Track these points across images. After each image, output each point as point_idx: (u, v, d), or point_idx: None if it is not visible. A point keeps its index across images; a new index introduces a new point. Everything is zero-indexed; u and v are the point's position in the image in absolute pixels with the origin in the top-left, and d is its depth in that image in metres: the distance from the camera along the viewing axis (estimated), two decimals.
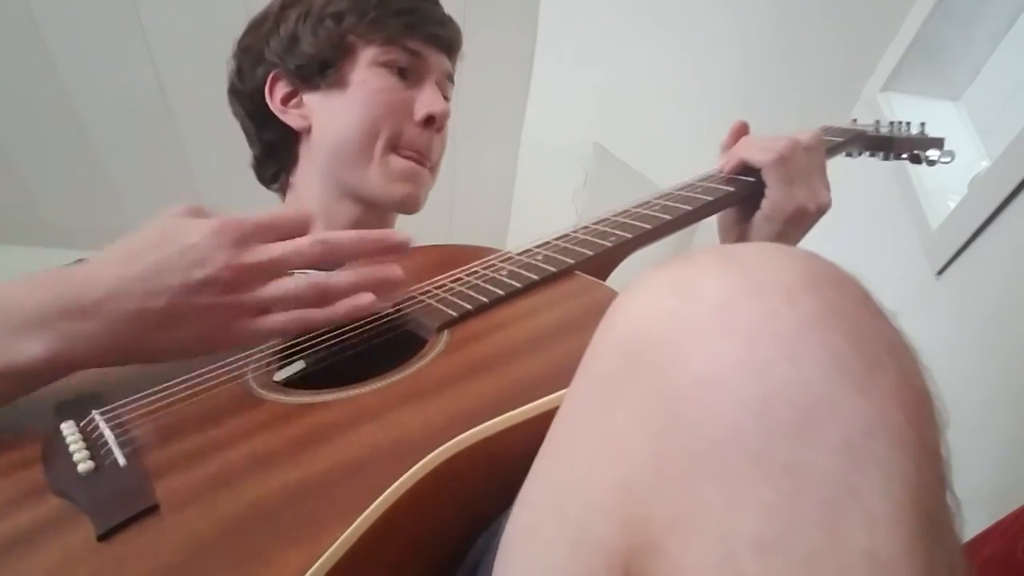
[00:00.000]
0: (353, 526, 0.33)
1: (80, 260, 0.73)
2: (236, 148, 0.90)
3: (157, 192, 2.37)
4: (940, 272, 0.99)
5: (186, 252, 0.44)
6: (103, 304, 0.44)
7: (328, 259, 0.48)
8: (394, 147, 0.78)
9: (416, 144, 0.78)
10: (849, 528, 0.22)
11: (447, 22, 0.84)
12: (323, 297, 0.47)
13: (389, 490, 0.35)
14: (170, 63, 1.93)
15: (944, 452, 0.26)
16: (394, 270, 0.50)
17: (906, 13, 1.21)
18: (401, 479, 0.35)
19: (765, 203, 0.68)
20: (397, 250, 0.50)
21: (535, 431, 0.34)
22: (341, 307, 0.47)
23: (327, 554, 0.32)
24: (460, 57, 0.88)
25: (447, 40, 0.83)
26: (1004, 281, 0.88)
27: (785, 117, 1.45)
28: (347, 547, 0.32)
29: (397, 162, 0.78)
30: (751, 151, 0.69)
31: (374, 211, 0.81)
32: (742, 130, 0.74)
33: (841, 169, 1.18)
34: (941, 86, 1.23)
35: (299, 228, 0.48)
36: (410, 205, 0.80)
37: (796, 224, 0.68)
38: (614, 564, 0.26)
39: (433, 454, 0.37)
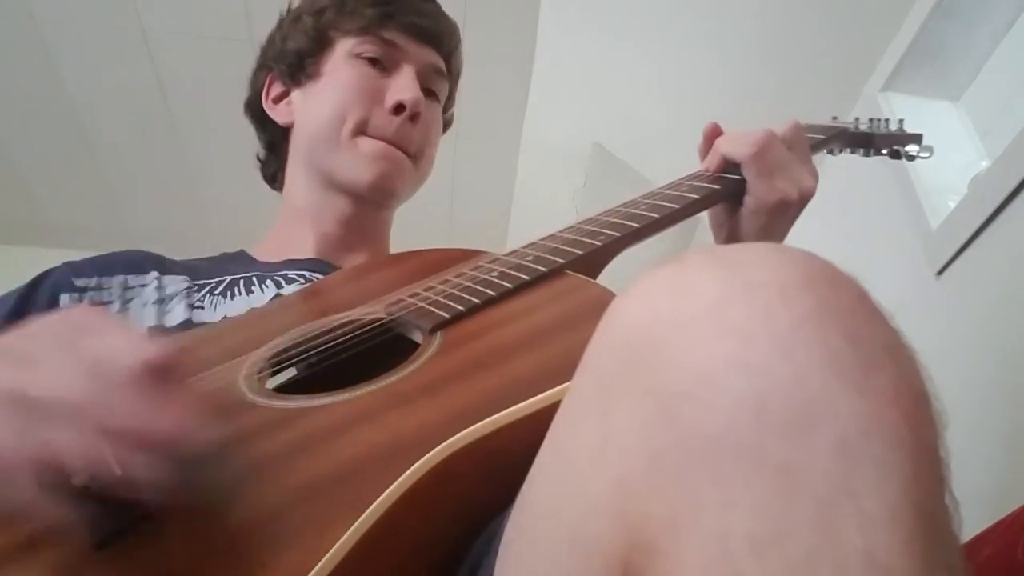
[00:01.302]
0: (354, 527, 0.33)
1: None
2: (236, 148, 0.90)
3: (157, 192, 2.37)
4: (940, 272, 0.99)
5: None
6: None
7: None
8: (361, 132, 0.77)
9: (384, 131, 0.77)
10: (845, 528, 0.22)
11: (430, 13, 0.84)
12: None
13: (389, 490, 0.34)
14: (170, 63, 1.93)
15: (943, 452, 0.26)
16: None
17: (906, 13, 1.21)
18: (400, 479, 0.35)
19: (748, 198, 0.68)
20: None
21: (534, 428, 0.34)
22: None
23: (328, 555, 0.31)
24: (457, 53, 0.87)
25: (428, 31, 0.82)
26: (1004, 281, 0.88)
27: (785, 117, 1.44)
28: (348, 548, 0.32)
29: (365, 143, 0.77)
30: (730, 146, 0.69)
31: (361, 205, 0.81)
32: (716, 131, 0.74)
33: (841, 170, 1.18)
34: (941, 86, 1.23)
35: None
36: (383, 186, 0.77)
37: (781, 214, 0.68)
38: (612, 562, 0.26)
39: (432, 453, 0.36)
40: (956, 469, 0.27)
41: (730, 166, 0.69)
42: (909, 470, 0.24)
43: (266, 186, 0.92)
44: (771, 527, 0.23)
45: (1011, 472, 0.76)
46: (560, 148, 2.05)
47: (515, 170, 2.27)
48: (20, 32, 1.83)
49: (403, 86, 0.78)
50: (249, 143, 0.91)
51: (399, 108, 0.77)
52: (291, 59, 0.82)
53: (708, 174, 0.71)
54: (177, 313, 0.69)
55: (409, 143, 0.79)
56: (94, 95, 2.02)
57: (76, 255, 0.77)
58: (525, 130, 2.12)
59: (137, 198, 2.38)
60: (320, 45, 0.80)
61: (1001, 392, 0.82)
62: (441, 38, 0.84)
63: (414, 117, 0.78)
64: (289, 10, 0.86)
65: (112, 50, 1.90)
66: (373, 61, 0.79)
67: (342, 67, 0.79)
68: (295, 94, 0.83)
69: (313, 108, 0.80)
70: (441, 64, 0.84)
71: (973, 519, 0.68)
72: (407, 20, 0.80)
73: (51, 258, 0.79)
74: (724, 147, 0.69)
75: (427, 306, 0.54)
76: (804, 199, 0.68)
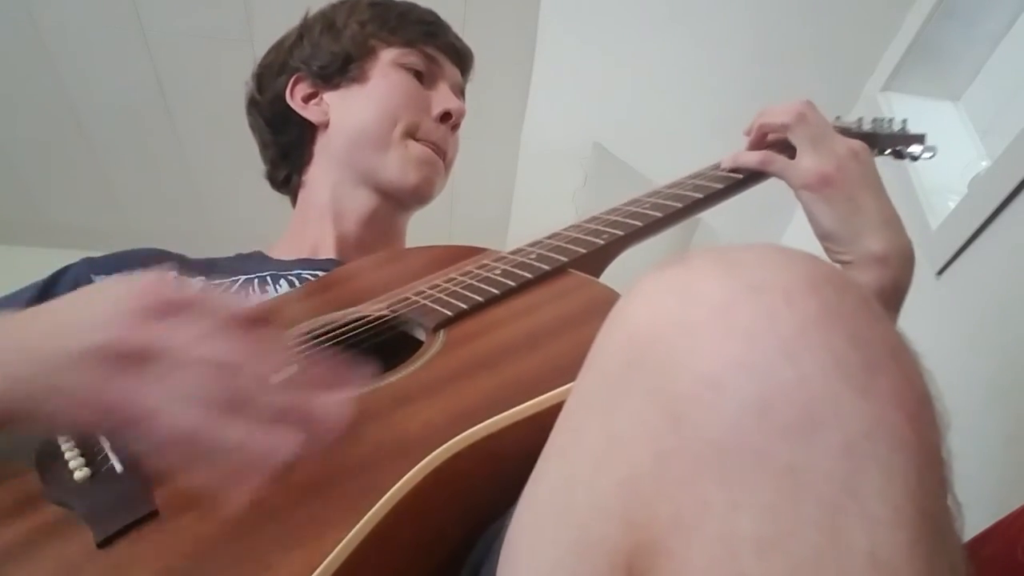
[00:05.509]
0: (357, 527, 0.33)
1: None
2: (235, 149, 0.90)
3: (157, 192, 2.37)
4: (940, 272, 1.00)
5: (94, 310, 0.37)
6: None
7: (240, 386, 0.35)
8: (411, 135, 0.81)
9: (432, 136, 0.82)
10: (850, 530, 0.22)
11: (460, 39, 0.91)
12: (236, 410, 0.34)
13: (392, 490, 0.34)
14: (170, 63, 1.93)
15: (945, 454, 0.26)
16: (338, 413, 0.36)
17: (906, 13, 1.21)
18: (404, 479, 0.35)
19: (797, 175, 0.66)
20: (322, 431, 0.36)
21: (537, 428, 0.34)
22: (252, 442, 0.34)
23: (331, 556, 0.31)
24: (470, 79, 0.93)
25: (461, 53, 0.89)
26: (1004, 281, 0.88)
27: None
28: (351, 548, 0.32)
29: (415, 147, 0.81)
30: (771, 116, 0.70)
31: (388, 202, 0.83)
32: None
33: None
34: (941, 86, 1.23)
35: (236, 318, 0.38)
36: (425, 191, 0.82)
37: (847, 187, 0.64)
38: (617, 564, 0.26)
39: (435, 453, 0.36)
40: (956, 469, 0.27)
41: (738, 169, 0.70)
42: (913, 472, 0.24)
43: (265, 186, 0.92)
44: (776, 528, 0.23)
45: (1011, 472, 0.76)
46: (560, 148, 2.04)
47: (515, 170, 2.27)
48: (20, 32, 1.83)
49: (448, 97, 0.84)
50: (249, 143, 0.91)
51: (446, 116, 0.83)
52: (327, 61, 0.84)
53: (716, 171, 0.71)
54: None
55: (448, 150, 0.85)
56: (94, 95, 2.01)
57: (76, 255, 0.77)
58: (525, 130, 2.12)
59: (137, 198, 2.38)
60: (363, 51, 0.84)
61: (1001, 392, 0.82)
62: (466, 61, 0.91)
63: (455, 126, 0.85)
64: (307, 19, 0.88)
65: (112, 50, 1.89)
66: (416, 74, 0.84)
67: (390, 73, 0.83)
68: (329, 95, 0.84)
69: (358, 107, 0.82)
70: (463, 85, 0.91)
71: (974, 519, 0.68)
72: (446, 40, 0.87)
73: (51, 258, 0.79)
74: (766, 117, 0.71)
75: (431, 304, 0.54)
76: (855, 154, 0.66)
